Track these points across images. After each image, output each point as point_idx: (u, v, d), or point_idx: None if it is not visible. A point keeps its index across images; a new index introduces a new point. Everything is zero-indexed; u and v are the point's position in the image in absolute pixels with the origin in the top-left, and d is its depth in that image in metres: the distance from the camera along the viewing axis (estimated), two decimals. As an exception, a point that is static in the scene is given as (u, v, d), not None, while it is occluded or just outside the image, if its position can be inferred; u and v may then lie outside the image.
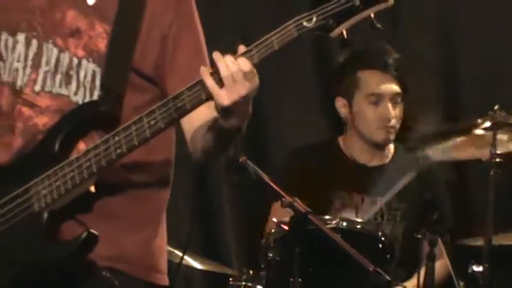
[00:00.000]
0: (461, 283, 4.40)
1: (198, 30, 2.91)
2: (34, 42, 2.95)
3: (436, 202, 4.40)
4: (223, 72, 2.45)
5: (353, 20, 2.45)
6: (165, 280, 2.89)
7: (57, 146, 2.81)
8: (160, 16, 2.89)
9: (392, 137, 4.57)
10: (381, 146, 4.65)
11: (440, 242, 4.20)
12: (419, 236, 4.08)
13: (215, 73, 2.45)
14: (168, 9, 2.91)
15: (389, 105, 4.51)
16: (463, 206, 5.14)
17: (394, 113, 4.53)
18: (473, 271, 4.14)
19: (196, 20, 2.94)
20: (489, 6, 5.60)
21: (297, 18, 2.46)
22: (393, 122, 4.52)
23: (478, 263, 4.15)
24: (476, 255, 4.28)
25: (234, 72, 2.46)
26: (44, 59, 2.91)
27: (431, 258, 4.03)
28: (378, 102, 4.53)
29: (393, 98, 4.51)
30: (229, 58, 2.45)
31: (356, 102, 4.57)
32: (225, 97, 2.45)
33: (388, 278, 3.79)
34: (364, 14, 2.42)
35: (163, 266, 2.93)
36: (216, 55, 2.48)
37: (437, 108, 5.23)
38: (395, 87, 4.50)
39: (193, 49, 2.92)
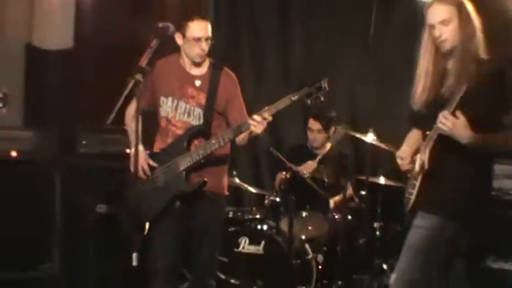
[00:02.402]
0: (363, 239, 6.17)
1: (241, 97, 4.73)
2: (175, 100, 4.70)
3: (347, 162, 6.45)
4: (260, 122, 4.32)
5: (315, 95, 4.37)
6: (226, 192, 4.81)
7: (185, 143, 4.61)
8: (226, 91, 4.69)
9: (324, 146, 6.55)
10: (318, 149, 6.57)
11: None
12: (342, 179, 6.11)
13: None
14: (228, 88, 4.71)
15: (316, 134, 6.52)
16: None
17: (317, 137, 6.52)
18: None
19: (239, 92, 4.75)
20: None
21: (290, 95, 4.39)
22: (316, 144, 6.56)
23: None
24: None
25: (262, 122, 4.31)
26: (181, 107, 4.70)
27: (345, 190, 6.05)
28: (311, 125, 6.50)
29: (316, 131, 6.49)
30: (261, 116, 4.34)
31: (307, 128, 6.56)
32: (258, 130, 4.35)
33: (324, 194, 6.04)
34: (318, 93, 4.38)
35: (226, 186, 4.80)
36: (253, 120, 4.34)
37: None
38: (318, 125, 6.44)
39: (240, 107, 4.74)
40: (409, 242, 3.98)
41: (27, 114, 7.07)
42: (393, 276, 4.04)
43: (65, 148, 6.49)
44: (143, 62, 4.26)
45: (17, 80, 7.08)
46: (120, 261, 5.73)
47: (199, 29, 4.59)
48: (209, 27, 4.64)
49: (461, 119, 3.73)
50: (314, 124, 6.41)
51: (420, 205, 4.00)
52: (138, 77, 4.13)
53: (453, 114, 3.74)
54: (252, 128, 4.39)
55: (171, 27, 4.46)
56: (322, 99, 4.42)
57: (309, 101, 4.42)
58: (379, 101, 6.82)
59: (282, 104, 4.42)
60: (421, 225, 3.96)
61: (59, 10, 7.09)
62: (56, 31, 7.16)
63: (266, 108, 4.40)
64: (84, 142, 6.49)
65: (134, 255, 4.13)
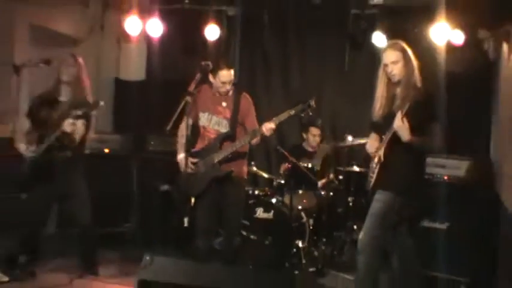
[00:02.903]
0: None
1: (254, 112, 4.69)
2: (209, 115, 4.70)
3: (330, 158, 6.26)
4: (268, 129, 4.35)
5: (306, 110, 4.38)
6: (245, 177, 4.79)
7: (218, 144, 4.67)
8: (244, 108, 4.67)
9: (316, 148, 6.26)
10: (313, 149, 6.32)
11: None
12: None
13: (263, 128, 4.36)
14: (246, 106, 4.70)
15: (317, 138, 6.29)
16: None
17: (317, 140, 6.26)
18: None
19: (253, 108, 4.68)
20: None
21: (289, 110, 4.40)
22: (315, 144, 6.26)
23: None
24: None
25: (271, 129, 4.38)
26: (213, 120, 4.71)
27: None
28: (311, 132, 6.28)
29: (317, 135, 6.29)
30: (269, 125, 4.37)
31: (307, 133, 6.28)
32: (268, 133, 4.38)
33: (314, 178, 5.79)
34: (308, 109, 4.39)
35: (246, 172, 4.81)
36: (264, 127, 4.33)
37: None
38: (319, 131, 6.27)
39: (253, 118, 4.69)
40: (371, 211, 4.04)
41: (115, 124, 7.15)
42: (361, 234, 4.08)
43: (139, 147, 6.56)
44: (191, 88, 4.32)
45: (109, 101, 7.11)
46: (176, 223, 5.80)
47: (226, 76, 4.59)
48: (232, 73, 4.64)
49: (406, 124, 3.85)
50: (315, 131, 6.26)
51: (378, 185, 4.09)
52: (188, 98, 4.30)
53: (402, 119, 3.86)
54: (264, 131, 4.42)
55: (211, 64, 4.48)
56: (310, 113, 4.42)
57: (302, 114, 4.41)
58: (352, 112, 6.66)
59: (283, 116, 4.43)
60: (379, 199, 4.02)
61: (136, 55, 7.15)
62: (134, 69, 7.24)
63: (273, 119, 4.44)
64: (152, 143, 6.55)
65: (185, 219, 4.25)
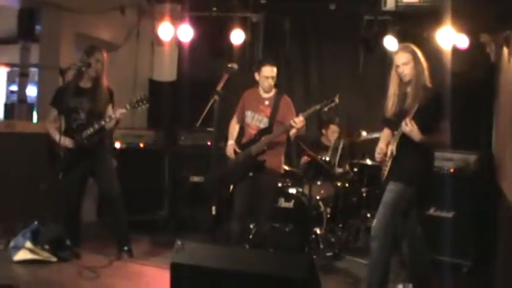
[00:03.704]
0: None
1: (293, 111, 4.65)
2: (253, 113, 4.79)
3: (345, 151, 6.11)
4: (298, 122, 4.35)
5: (330, 106, 4.36)
6: (280, 171, 4.81)
7: (258, 138, 4.70)
8: (283, 108, 4.72)
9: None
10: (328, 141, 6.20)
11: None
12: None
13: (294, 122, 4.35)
14: (284, 106, 4.72)
15: (335, 134, 6.20)
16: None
17: (335, 136, 6.15)
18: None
19: (293, 109, 4.69)
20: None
21: (315, 105, 4.38)
22: (333, 139, 6.13)
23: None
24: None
25: (300, 121, 4.37)
26: (255, 117, 4.77)
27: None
28: (331, 129, 6.21)
29: (335, 132, 6.20)
30: (298, 118, 4.39)
31: (327, 130, 6.28)
32: (298, 126, 4.35)
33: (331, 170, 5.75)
34: (332, 104, 4.39)
35: (281, 166, 4.80)
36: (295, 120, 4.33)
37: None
38: (337, 128, 6.21)
39: (292, 116, 4.59)
40: (384, 200, 4.00)
41: (149, 120, 7.17)
42: (374, 221, 4.04)
43: (171, 141, 6.54)
44: (219, 87, 4.31)
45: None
46: (204, 210, 5.74)
47: (268, 71, 4.65)
48: (275, 70, 4.69)
49: (415, 126, 3.83)
50: (334, 128, 6.21)
51: (390, 177, 4.06)
52: (216, 97, 4.32)
53: (410, 122, 3.84)
54: (293, 124, 4.42)
55: (236, 66, 4.48)
56: (335, 108, 4.41)
57: (326, 109, 4.39)
58: (366, 110, 6.60)
59: (310, 111, 4.43)
60: (391, 190, 3.98)
61: (168, 58, 7.16)
62: (166, 70, 7.24)
63: (301, 113, 4.45)
64: (182, 138, 6.53)
65: (213, 207, 4.26)
